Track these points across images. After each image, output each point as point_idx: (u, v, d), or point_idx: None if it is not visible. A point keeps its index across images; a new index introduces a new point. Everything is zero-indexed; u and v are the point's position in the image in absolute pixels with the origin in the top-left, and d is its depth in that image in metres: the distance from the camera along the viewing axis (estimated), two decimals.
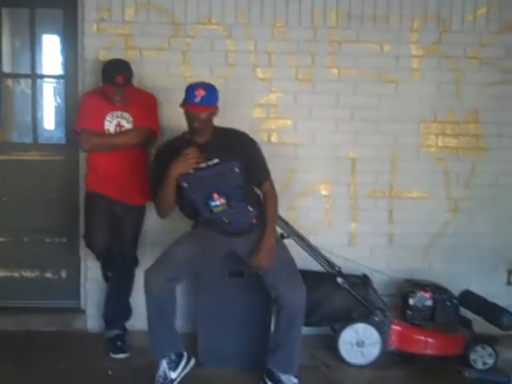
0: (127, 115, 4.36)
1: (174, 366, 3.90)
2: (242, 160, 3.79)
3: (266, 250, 3.82)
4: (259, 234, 3.86)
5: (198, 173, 3.74)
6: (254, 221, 3.87)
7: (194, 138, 3.79)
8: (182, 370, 3.94)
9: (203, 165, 3.74)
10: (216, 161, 3.75)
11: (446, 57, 4.72)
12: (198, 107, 3.68)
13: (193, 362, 4.01)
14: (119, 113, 4.35)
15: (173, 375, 3.89)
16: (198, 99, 3.67)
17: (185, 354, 3.98)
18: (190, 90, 3.73)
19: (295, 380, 3.88)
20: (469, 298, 3.96)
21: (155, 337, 3.93)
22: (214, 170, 3.76)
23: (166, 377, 3.87)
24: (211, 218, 3.82)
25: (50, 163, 4.94)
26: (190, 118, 3.72)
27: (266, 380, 3.93)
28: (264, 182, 3.91)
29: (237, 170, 3.77)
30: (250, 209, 3.84)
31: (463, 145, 4.81)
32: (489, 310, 3.68)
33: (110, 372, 4.13)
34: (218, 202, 3.78)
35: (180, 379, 3.90)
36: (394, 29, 4.71)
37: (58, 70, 5.01)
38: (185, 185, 3.75)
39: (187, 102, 3.71)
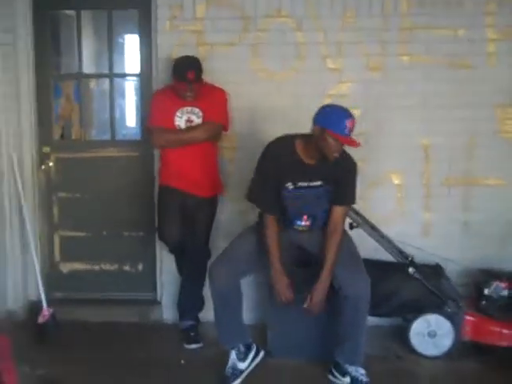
0: (197, 110, 4.43)
1: (243, 357, 3.95)
2: (336, 184, 3.76)
3: (319, 294, 3.79)
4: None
5: (298, 191, 3.75)
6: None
7: (306, 156, 3.69)
8: (252, 361, 3.99)
9: (304, 184, 3.74)
10: (318, 183, 3.75)
11: None
12: (353, 141, 3.57)
13: (262, 353, 4.05)
14: (189, 108, 4.43)
15: (242, 366, 3.93)
16: (350, 132, 3.57)
17: (254, 346, 4.02)
18: (340, 118, 3.55)
19: (363, 371, 3.84)
20: None
21: (222, 329, 3.98)
22: (313, 192, 3.76)
23: (235, 367, 3.92)
24: (287, 233, 3.88)
25: (126, 159, 5.09)
26: (333, 148, 3.55)
27: (334, 371, 3.93)
28: (342, 205, 3.82)
29: (329, 194, 3.77)
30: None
31: None
32: None
33: (182, 361, 4.22)
34: (303, 223, 3.86)
35: (249, 370, 3.93)
36: (468, 12, 4.58)
37: (134, 69, 5.15)
38: (284, 193, 3.76)
39: (340, 134, 3.53)
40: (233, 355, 3.93)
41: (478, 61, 4.62)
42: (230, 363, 3.93)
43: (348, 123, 3.52)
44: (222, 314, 3.91)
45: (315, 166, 3.70)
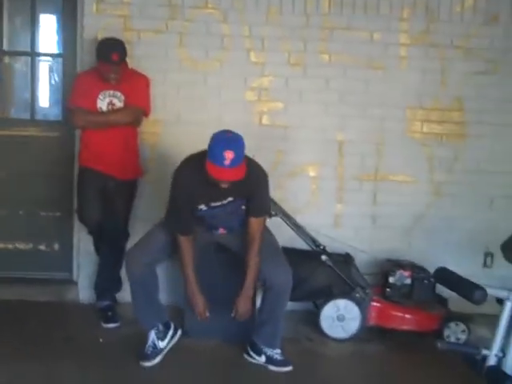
0: (119, 94, 4.47)
1: (162, 336, 4.04)
2: (248, 197, 3.82)
3: (244, 305, 3.92)
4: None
5: (211, 210, 3.83)
6: None
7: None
8: (171, 339, 4.08)
9: (217, 203, 3.80)
10: (230, 199, 3.79)
11: (433, 46, 4.86)
12: (227, 171, 3.49)
13: (180, 331, 4.15)
14: (111, 92, 4.46)
15: (161, 344, 4.02)
16: (227, 163, 3.45)
17: (172, 325, 4.12)
18: (218, 149, 3.47)
19: (278, 350, 4.03)
20: (444, 274, 4.11)
21: (141, 312, 4.07)
22: (226, 209, 3.83)
23: (155, 346, 4.00)
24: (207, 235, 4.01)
25: (46, 139, 5.07)
26: (218, 184, 3.58)
27: (250, 351, 4.09)
28: (256, 218, 3.86)
29: (243, 207, 3.85)
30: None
31: (447, 131, 4.97)
32: (462, 285, 3.82)
33: (101, 339, 4.27)
34: (220, 231, 4.00)
35: (168, 348, 4.03)
36: (384, 17, 4.84)
37: (57, 49, 5.13)
38: (198, 213, 3.84)
39: (215, 164, 3.48)
40: (152, 334, 4.02)
41: (391, 63, 4.90)
42: (149, 342, 4.01)
43: (226, 154, 3.44)
44: (140, 298, 3.99)
45: (227, 187, 3.68)
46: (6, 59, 5.15)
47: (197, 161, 3.68)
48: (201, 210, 3.82)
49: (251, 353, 4.10)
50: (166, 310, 4.18)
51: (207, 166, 3.50)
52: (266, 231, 4.02)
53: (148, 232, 4.07)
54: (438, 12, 4.85)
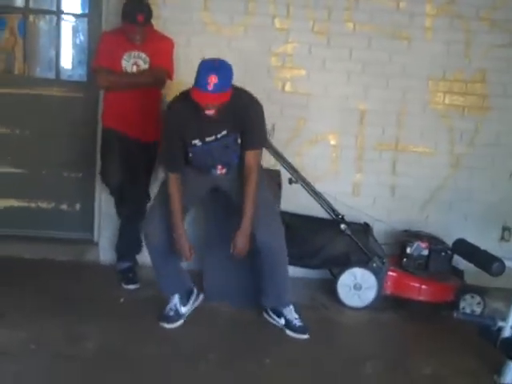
0: (144, 55, 4.47)
1: (184, 301, 4.13)
2: (242, 129, 3.77)
3: (242, 239, 3.83)
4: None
5: (206, 146, 3.78)
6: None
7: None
8: (192, 305, 4.19)
9: (212, 138, 3.76)
10: (224, 133, 3.75)
11: (458, 17, 4.82)
12: (210, 96, 3.47)
13: (201, 297, 4.26)
14: (136, 53, 4.46)
15: (183, 310, 4.11)
16: (210, 87, 3.42)
17: (194, 290, 4.22)
18: (202, 74, 3.45)
19: (296, 315, 4.09)
20: (462, 246, 4.16)
21: (163, 281, 4.13)
22: (221, 143, 3.78)
23: (177, 311, 4.07)
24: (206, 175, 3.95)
25: (70, 99, 5.09)
26: (202, 107, 3.54)
27: (270, 312, 4.18)
28: (251, 150, 3.82)
29: (239, 140, 3.80)
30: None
31: (469, 103, 4.95)
32: (480, 256, 3.87)
33: (122, 300, 4.36)
34: (219, 171, 3.92)
35: (190, 312, 4.14)
36: None
37: (82, 9, 5.13)
38: (190, 154, 3.82)
39: (198, 89, 3.47)
40: (175, 299, 4.09)
41: (415, 34, 4.86)
42: (171, 305, 4.08)
43: (209, 78, 3.42)
44: (161, 268, 4.06)
45: (219, 117, 3.64)
46: (31, 17, 5.15)
47: (188, 95, 3.61)
48: (195, 145, 3.77)
49: (271, 313, 4.18)
50: (189, 277, 4.25)
51: (192, 91, 3.50)
52: (262, 189, 3.95)
53: (155, 199, 4.10)
54: None
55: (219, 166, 3.89)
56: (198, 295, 4.24)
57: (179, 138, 3.77)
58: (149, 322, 4.03)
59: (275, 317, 4.15)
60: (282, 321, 4.11)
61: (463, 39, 4.86)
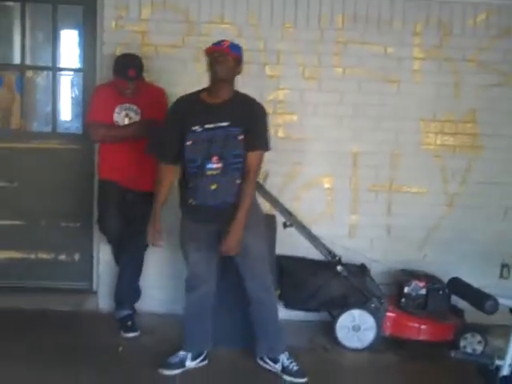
0: (135, 107, 4.57)
1: (193, 357, 4.12)
2: (245, 127, 3.81)
3: (235, 235, 3.83)
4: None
5: (206, 132, 3.79)
6: (236, 199, 3.86)
7: (211, 97, 3.84)
8: (198, 363, 4.15)
9: (211, 125, 3.79)
10: (225, 124, 3.79)
11: (446, 60, 4.92)
12: (226, 49, 3.78)
13: (207, 360, 4.20)
14: (128, 105, 4.56)
15: (189, 364, 4.11)
16: (225, 45, 3.80)
17: (205, 352, 4.19)
18: (216, 41, 3.87)
19: (292, 360, 4.08)
20: (456, 285, 4.16)
21: (191, 337, 4.14)
22: (221, 133, 3.78)
23: (182, 362, 4.08)
24: (201, 183, 3.82)
25: (67, 151, 5.18)
26: (214, 62, 3.76)
27: (265, 358, 4.15)
28: (253, 150, 3.85)
29: (240, 137, 3.80)
30: (238, 182, 3.84)
31: (460, 143, 5.02)
32: (474, 295, 3.87)
33: (120, 348, 4.35)
34: (214, 165, 3.79)
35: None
36: (397, 31, 4.92)
37: (77, 64, 5.23)
38: (188, 142, 3.80)
39: (213, 45, 3.83)
40: (187, 354, 4.10)
41: (404, 76, 4.97)
42: (179, 357, 4.09)
43: (217, 41, 3.89)
44: (195, 322, 4.10)
45: (221, 107, 3.80)
46: (29, 73, 5.28)
47: (195, 91, 3.95)
48: (195, 131, 3.79)
49: (266, 359, 4.15)
50: (211, 338, 4.21)
51: (209, 52, 3.84)
52: (259, 231, 4.02)
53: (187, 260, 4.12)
54: (450, 26, 4.91)
55: (215, 158, 3.79)
56: (206, 357, 4.20)
57: (178, 128, 3.82)
58: (146, 371, 4.02)
59: (271, 363, 4.13)
60: (279, 366, 4.09)
61: (452, 81, 4.96)
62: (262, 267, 4.03)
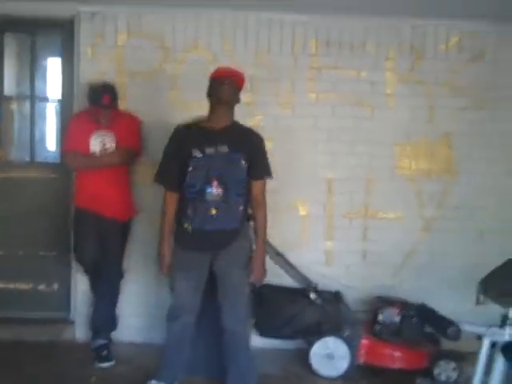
0: (111, 135, 4.60)
1: None
2: (248, 154, 3.89)
3: (260, 265, 3.99)
4: (239, 248, 3.96)
5: (207, 158, 3.82)
6: (238, 225, 3.92)
7: (211, 123, 3.90)
8: None
9: (212, 150, 3.83)
10: (226, 149, 3.84)
11: (419, 83, 4.92)
12: (236, 74, 3.91)
13: None
14: (103, 132, 4.59)
15: None
16: (235, 70, 3.92)
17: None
18: (223, 67, 3.98)
19: None
20: (422, 311, 4.15)
21: (167, 367, 4.11)
22: (221, 158, 3.83)
23: None
24: (200, 208, 3.83)
25: (45, 181, 5.20)
26: (221, 84, 3.84)
27: None
28: (260, 179, 3.99)
29: (243, 162, 3.87)
30: (241, 208, 3.91)
31: (435, 167, 4.99)
32: (437, 321, 3.86)
33: (93, 378, 4.34)
34: (214, 189, 3.82)
35: None
36: (371, 56, 4.92)
37: (56, 93, 5.24)
38: (190, 168, 3.83)
39: (223, 69, 3.92)
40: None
41: (378, 101, 4.96)
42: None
43: (221, 69, 3.98)
44: (173, 352, 4.08)
45: (221, 133, 3.87)
46: (6, 104, 5.31)
47: (190, 122, 4.02)
48: (195, 157, 3.82)
49: None
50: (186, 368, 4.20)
51: (215, 76, 3.94)
52: (244, 261, 4.01)
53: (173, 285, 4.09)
54: (423, 50, 4.92)
55: (215, 182, 3.81)
56: None
57: (180, 155, 3.85)
58: None
59: None
60: None
61: (426, 104, 4.95)
62: (241, 299, 4.02)
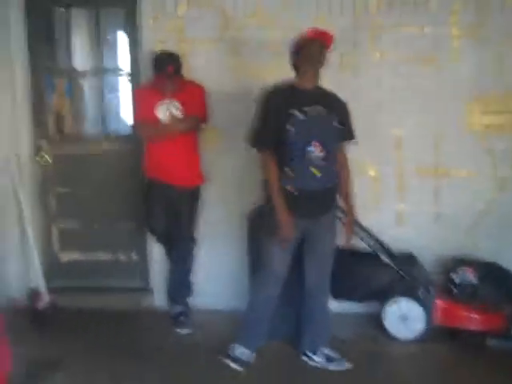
0: (177, 103, 4.63)
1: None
2: (340, 116, 3.94)
3: (352, 225, 4.13)
4: (333, 216, 4.10)
5: (306, 117, 3.80)
6: (336, 183, 3.98)
7: (303, 83, 3.89)
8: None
9: (309, 108, 3.82)
10: (319, 108, 3.85)
11: (485, 37, 4.72)
12: (330, 37, 3.88)
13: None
14: (169, 101, 4.62)
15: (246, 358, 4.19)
16: (330, 33, 3.88)
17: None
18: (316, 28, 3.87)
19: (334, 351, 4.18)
20: (499, 272, 4.05)
21: (250, 334, 4.21)
22: (321, 117, 3.85)
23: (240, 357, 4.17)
24: (302, 167, 3.82)
25: (118, 153, 5.30)
26: (309, 47, 3.81)
27: (307, 352, 4.23)
28: (348, 140, 4.08)
29: (335, 124, 3.90)
30: (335, 168, 3.95)
31: (508, 122, 4.80)
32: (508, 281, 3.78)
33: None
34: (316, 149, 3.81)
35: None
36: (434, 11, 4.76)
37: (124, 65, 5.32)
38: (290, 128, 3.79)
39: (318, 31, 3.85)
40: (245, 350, 4.17)
41: (443, 56, 4.80)
42: (236, 352, 4.16)
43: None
44: (258, 321, 4.16)
45: (314, 92, 3.90)
46: (78, 78, 5.45)
47: (280, 84, 3.97)
48: (296, 116, 3.79)
49: (309, 353, 4.21)
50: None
51: (312, 38, 3.85)
52: (334, 228, 4.12)
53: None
54: (488, 2, 4.70)
55: (316, 143, 3.80)
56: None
57: (277, 118, 3.82)
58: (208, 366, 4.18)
59: (314, 357, 4.19)
60: (320, 358, 4.16)
61: (494, 58, 4.75)
62: (329, 265, 4.12)
